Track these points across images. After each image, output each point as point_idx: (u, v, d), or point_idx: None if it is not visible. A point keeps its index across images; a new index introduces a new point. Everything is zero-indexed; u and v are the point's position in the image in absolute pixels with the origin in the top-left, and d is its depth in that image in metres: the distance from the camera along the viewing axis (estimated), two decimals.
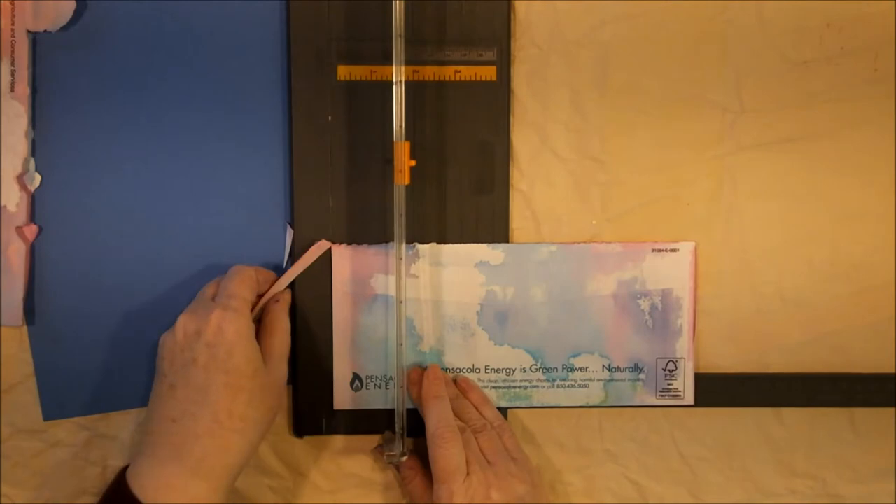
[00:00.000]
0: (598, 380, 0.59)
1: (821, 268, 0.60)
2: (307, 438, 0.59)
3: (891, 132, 0.59)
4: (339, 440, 0.59)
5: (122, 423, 0.58)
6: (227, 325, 0.50)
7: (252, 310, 0.53)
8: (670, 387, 0.59)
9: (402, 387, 0.56)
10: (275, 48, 0.57)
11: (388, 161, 0.55)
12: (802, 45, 0.58)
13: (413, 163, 0.54)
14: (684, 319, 0.59)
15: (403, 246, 0.55)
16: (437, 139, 0.57)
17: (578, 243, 0.58)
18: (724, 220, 0.59)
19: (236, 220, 0.57)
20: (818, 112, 0.59)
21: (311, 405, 0.58)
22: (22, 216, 0.56)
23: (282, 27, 0.57)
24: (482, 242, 0.58)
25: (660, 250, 0.59)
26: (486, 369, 0.59)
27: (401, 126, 0.53)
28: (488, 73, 0.57)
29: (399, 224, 0.55)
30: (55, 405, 0.57)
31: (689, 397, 0.59)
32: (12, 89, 0.55)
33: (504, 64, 0.57)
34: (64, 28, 0.55)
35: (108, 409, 0.57)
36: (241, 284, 0.52)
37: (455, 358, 0.58)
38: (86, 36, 0.56)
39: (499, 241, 0.58)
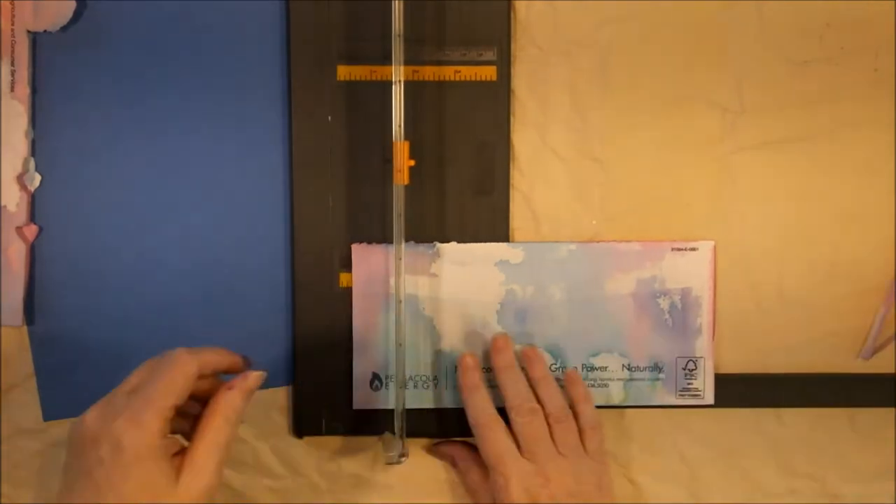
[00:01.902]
0: (618, 379, 0.59)
1: (821, 268, 0.59)
2: (307, 438, 0.59)
3: (891, 132, 0.59)
4: (338, 440, 0.59)
5: None
6: (128, 442, 0.43)
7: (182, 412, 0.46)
8: (690, 386, 0.59)
9: (401, 387, 0.56)
10: (275, 48, 0.57)
11: (388, 161, 0.55)
12: (802, 45, 0.58)
13: (412, 163, 0.54)
14: (704, 319, 0.59)
15: (402, 246, 0.55)
16: (436, 139, 0.57)
17: (598, 242, 0.58)
18: (724, 220, 0.59)
19: (236, 219, 0.57)
20: (818, 112, 0.59)
21: (310, 405, 0.58)
22: (22, 216, 0.56)
23: (282, 27, 0.57)
24: (482, 242, 0.58)
25: (679, 249, 0.58)
26: None
27: (400, 126, 0.53)
28: (488, 73, 0.57)
29: (398, 224, 0.55)
30: (55, 405, 0.57)
31: (710, 397, 0.59)
32: (12, 89, 0.55)
33: (504, 64, 0.57)
34: (64, 28, 0.55)
35: None
36: (165, 391, 0.44)
37: None
38: (86, 36, 0.56)
39: (499, 242, 0.58)
